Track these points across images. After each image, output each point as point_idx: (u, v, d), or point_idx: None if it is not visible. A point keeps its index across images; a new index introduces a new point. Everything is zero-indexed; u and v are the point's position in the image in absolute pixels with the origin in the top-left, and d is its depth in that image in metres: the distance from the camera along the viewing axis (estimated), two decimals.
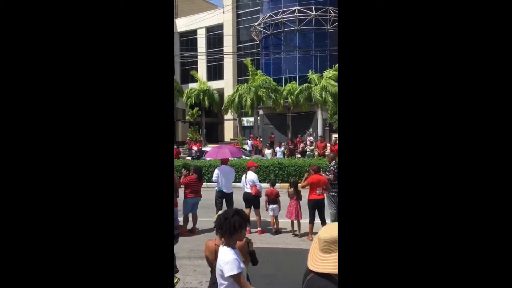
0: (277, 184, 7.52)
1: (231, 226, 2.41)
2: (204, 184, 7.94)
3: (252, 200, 6.89)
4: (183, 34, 38.33)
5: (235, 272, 2.33)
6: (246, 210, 6.93)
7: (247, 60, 24.84)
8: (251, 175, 6.97)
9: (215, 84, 32.16)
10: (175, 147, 11.04)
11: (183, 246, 5.86)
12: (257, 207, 6.94)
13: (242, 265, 2.41)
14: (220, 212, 3.15)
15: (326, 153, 12.20)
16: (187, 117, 32.10)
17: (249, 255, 2.56)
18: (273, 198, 6.85)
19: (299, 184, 6.98)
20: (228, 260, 2.35)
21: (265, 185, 7.65)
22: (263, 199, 7.04)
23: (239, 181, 9.12)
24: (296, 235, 6.61)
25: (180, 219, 6.89)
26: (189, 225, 7.02)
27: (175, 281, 3.66)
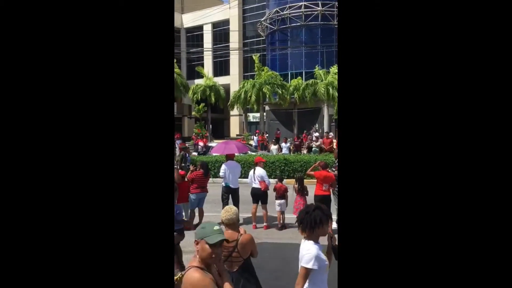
0: (283, 180, 7.51)
1: (312, 221, 2.40)
2: (210, 179, 7.95)
3: (260, 195, 6.89)
4: (189, 30, 38.31)
5: (308, 266, 2.33)
6: (253, 206, 6.94)
7: (256, 56, 24.74)
8: (260, 171, 6.96)
9: (221, 80, 32.15)
10: (180, 141, 11.03)
11: (190, 241, 5.87)
12: (264, 202, 6.94)
13: (326, 262, 2.40)
14: (226, 206, 3.17)
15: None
16: (193, 113, 32.16)
17: (332, 250, 2.56)
18: (281, 194, 6.85)
19: (305, 180, 6.98)
20: (308, 253, 2.35)
21: (271, 181, 7.65)
22: (270, 195, 7.03)
23: (245, 177, 9.13)
24: None
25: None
26: (196, 220, 7.05)
27: (176, 278, 3.67)
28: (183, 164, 8.55)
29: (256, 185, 6.91)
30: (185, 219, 6.83)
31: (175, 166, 7.72)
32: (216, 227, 1.93)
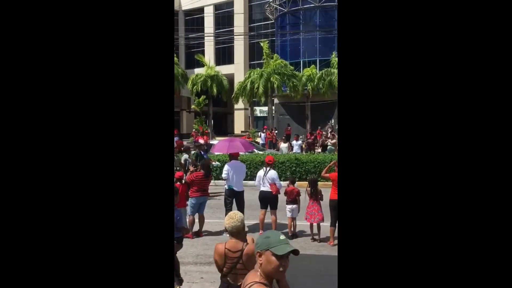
0: (295, 182, 7.48)
1: None
2: (212, 182, 7.98)
3: (270, 199, 6.88)
4: (188, 13, 38.40)
5: None
6: (261, 212, 6.94)
7: (264, 42, 24.70)
8: (271, 172, 6.97)
9: (224, 69, 32.20)
10: (177, 138, 11.11)
11: (188, 251, 5.93)
12: (274, 207, 6.94)
13: None
14: (230, 212, 3.16)
15: None
16: (192, 107, 32.26)
17: None
18: (293, 198, 6.83)
19: (319, 182, 6.97)
20: None
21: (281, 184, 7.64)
22: (280, 199, 7.02)
23: (251, 179, 9.14)
24: (315, 239, 6.62)
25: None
26: (195, 227, 7.09)
27: None
28: (198, 163, 8.53)
29: (265, 188, 6.90)
30: (185, 227, 6.89)
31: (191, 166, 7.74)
32: (282, 237, 1.91)
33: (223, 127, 38.15)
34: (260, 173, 7.06)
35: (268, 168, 6.97)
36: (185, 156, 9.02)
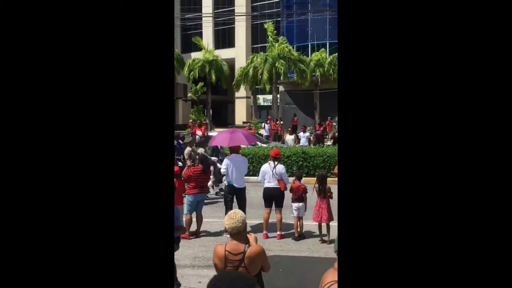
0: (302, 178, 7.49)
1: None
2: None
3: (276, 197, 6.90)
4: None
5: None
6: (266, 210, 6.95)
7: (268, 24, 24.57)
8: (279, 167, 6.97)
9: (224, 53, 32.13)
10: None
11: (185, 253, 5.97)
12: (279, 205, 6.95)
13: None
14: (230, 211, 3.17)
15: None
16: (189, 95, 32.26)
17: None
18: (299, 195, 6.84)
19: (329, 178, 6.97)
20: None
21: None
22: (286, 197, 7.04)
23: (253, 174, 9.15)
24: (324, 241, 6.64)
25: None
26: (193, 227, 7.12)
27: None
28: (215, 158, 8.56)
29: (270, 184, 6.90)
30: (183, 226, 6.92)
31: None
32: None
33: (223, 117, 38.16)
34: (265, 167, 7.05)
35: (276, 163, 6.97)
36: (200, 149, 9.07)
